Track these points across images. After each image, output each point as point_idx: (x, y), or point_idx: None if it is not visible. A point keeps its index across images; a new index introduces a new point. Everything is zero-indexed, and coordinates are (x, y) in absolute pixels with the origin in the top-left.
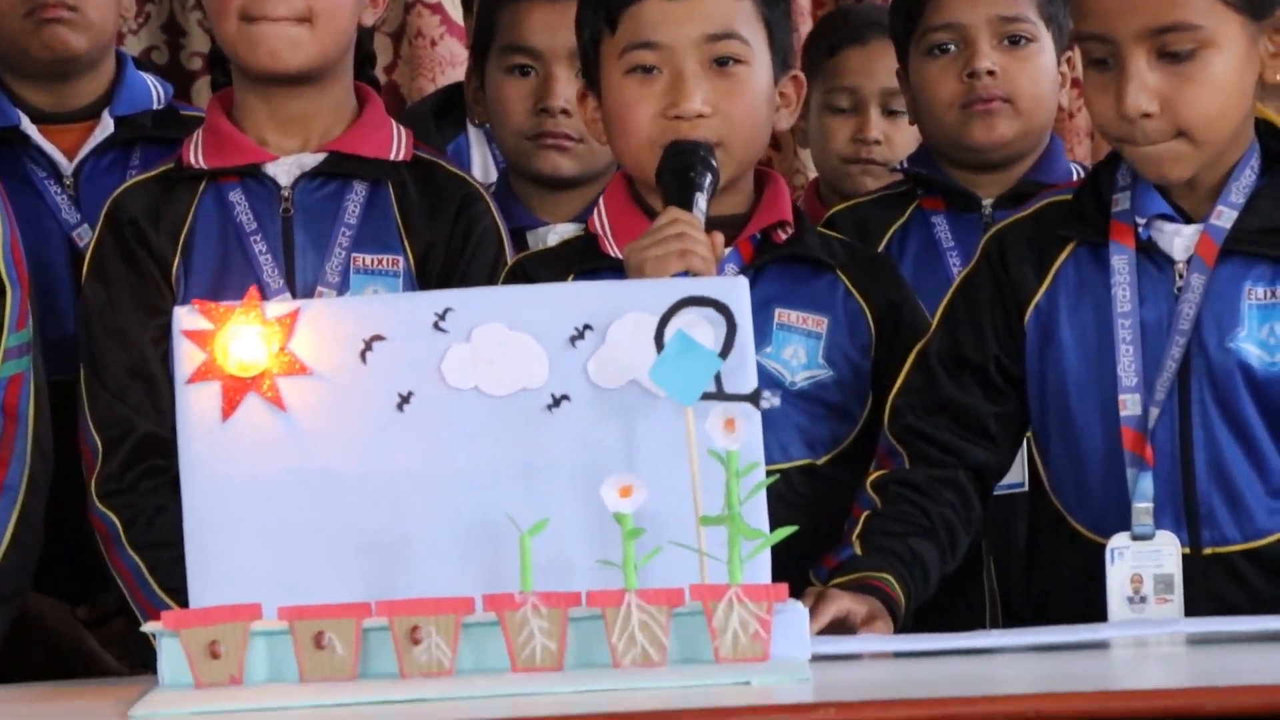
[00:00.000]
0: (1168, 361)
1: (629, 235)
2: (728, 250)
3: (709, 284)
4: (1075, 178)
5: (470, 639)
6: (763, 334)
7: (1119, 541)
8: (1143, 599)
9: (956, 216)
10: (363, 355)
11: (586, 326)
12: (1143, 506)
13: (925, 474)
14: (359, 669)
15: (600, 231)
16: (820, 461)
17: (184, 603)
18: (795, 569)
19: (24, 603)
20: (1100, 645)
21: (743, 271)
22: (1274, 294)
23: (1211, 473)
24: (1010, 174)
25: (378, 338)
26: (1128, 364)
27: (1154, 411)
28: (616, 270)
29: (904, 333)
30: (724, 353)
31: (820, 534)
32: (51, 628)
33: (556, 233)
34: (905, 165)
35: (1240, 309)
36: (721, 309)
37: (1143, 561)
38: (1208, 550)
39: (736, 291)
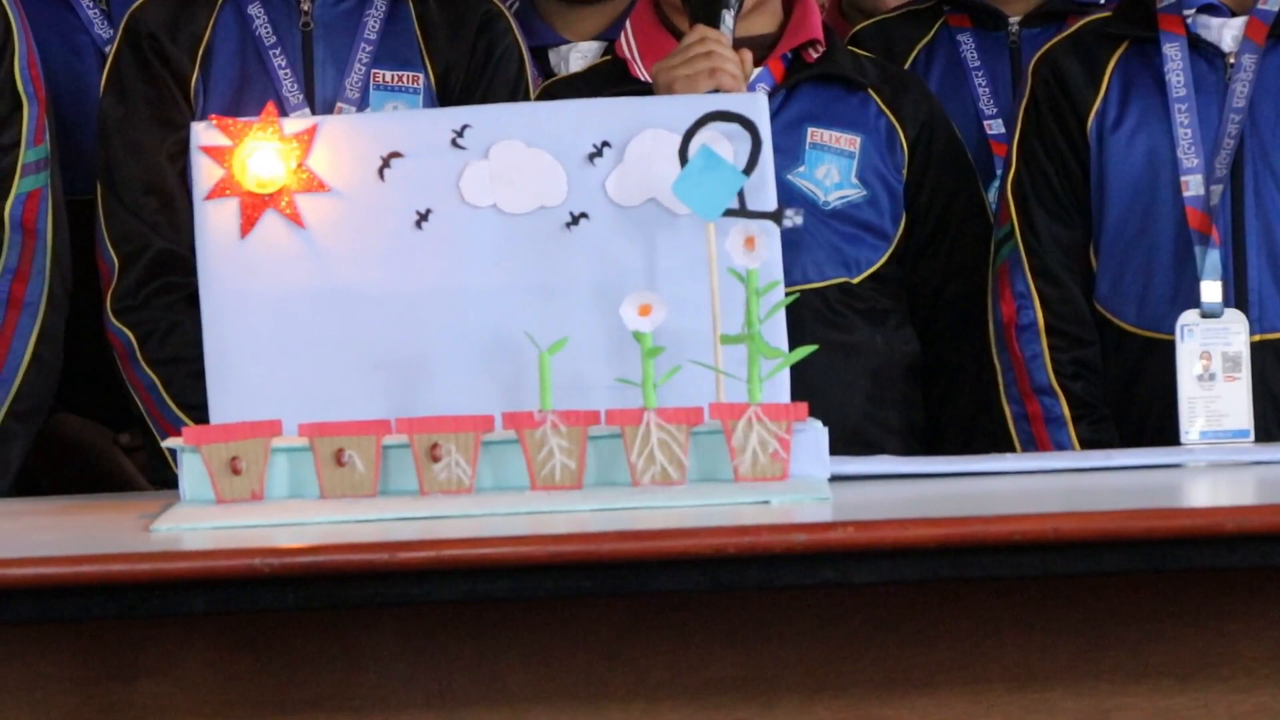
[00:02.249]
0: (1224, 140)
1: (657, 56)
2: (758, 70)
3: (731, 99)
4: None
5: (490, 457)
6: (795, 154)
7: (1188, 319)
8: (1211, 376)
9: (983, 35)
10: (381, 172)
11: (605, 143)
12: (1211, 284)
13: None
14: (379, 485)
15: (628, 55)
16: (856, 280)
17: (200, 419)
18: (831, 393)
19: (63, 427)
20: (1128, 468)
21: (774, 91)
22: None
23: (1262, 256)
24: None
25: (396, 155)
26: (1187, 146)
27: (1216, 189)
28: (646, 93)
29: (937, 152)
30: (747, 169)
31: (856, 352)
32: (90, 454)
33: (579, 51)
34: None
35: None
36: (745, 124)
37: (1211, 340)
38: (1255, 337)
39: (758, 107)
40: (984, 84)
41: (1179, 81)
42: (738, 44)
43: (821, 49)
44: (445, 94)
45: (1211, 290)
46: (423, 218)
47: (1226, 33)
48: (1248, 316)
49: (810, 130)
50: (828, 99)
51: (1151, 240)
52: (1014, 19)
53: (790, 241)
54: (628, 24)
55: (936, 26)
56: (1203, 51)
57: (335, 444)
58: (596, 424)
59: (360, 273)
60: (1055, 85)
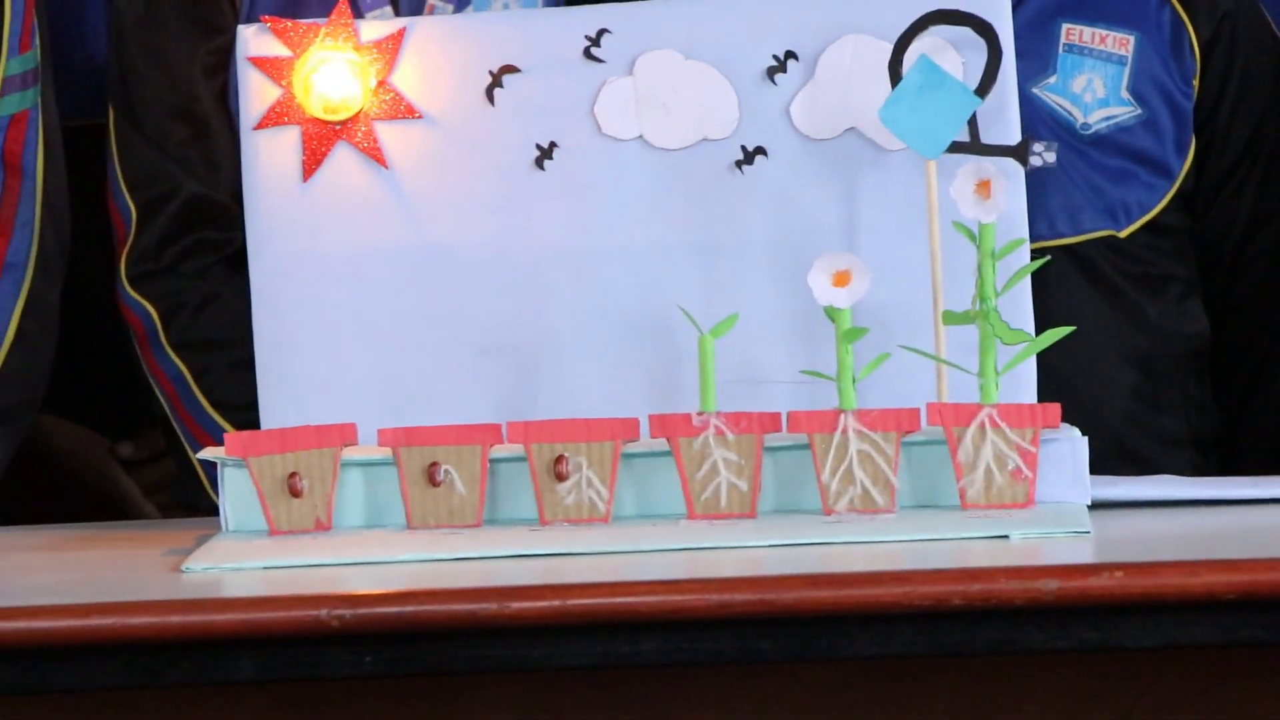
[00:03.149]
0: None
1: None
2: None
3: None
4: None
5: (633, 474)
6: (1044, 59)
7: None
8: None
9: None
10: (490, 93)
11: (789, 54)
12: None
13: None
14: (485, 512)
15: None
16: (1124, 234)
17: (243, 422)
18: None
19: (45, 432)
20: None
21: None
22: None
23: None
24: None
25: (510, 69)
26: None
27: None
28: None
29: (1242, 54)
30: (982, 89)
31: (1123, 333)
32: (78, 469)
33: None
34: None
35: None
36: (980, 27)
37: None
38: None
39: (998, 5)
40: None
41: None
42: None
43: None
44: None
45: None
46: (545, 154)
47: None
48: None
49: (1065, 26)
50: None
51: None
52: None
53: (1034, 181)
54: None
55: None
56: None
57: (428, 456)
58: (776, 431)
59: (462, 228)
60: None
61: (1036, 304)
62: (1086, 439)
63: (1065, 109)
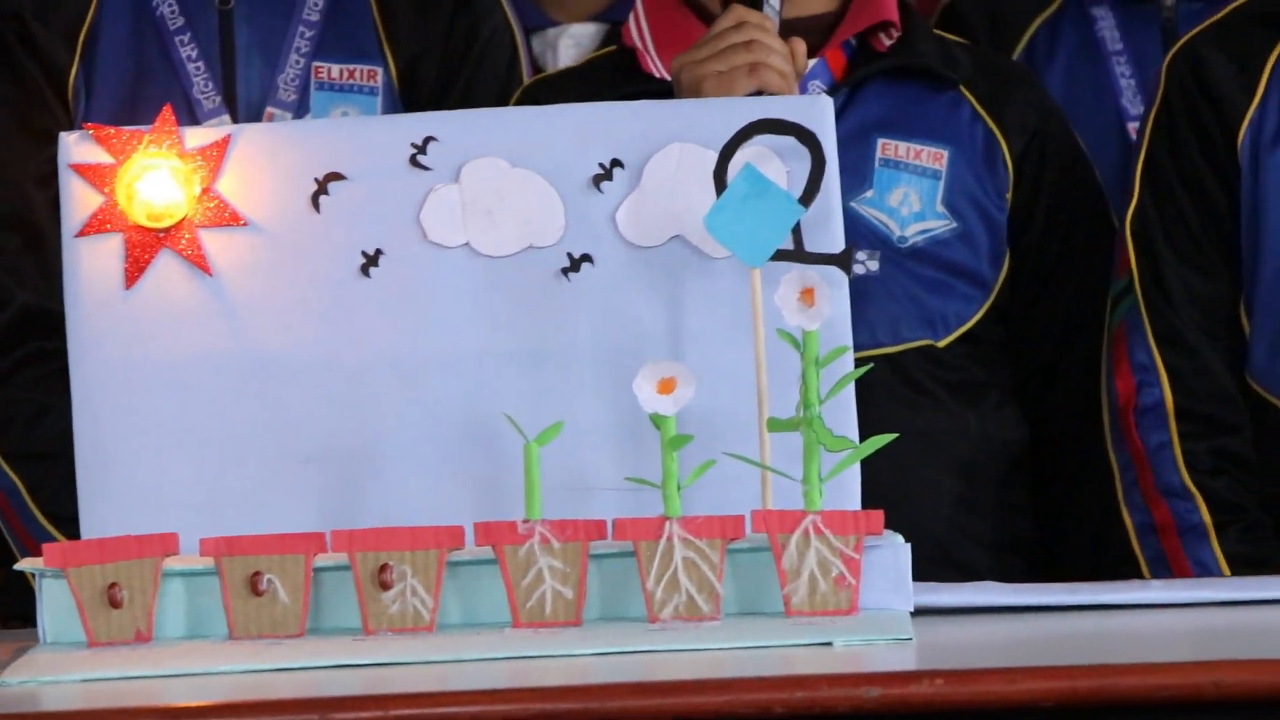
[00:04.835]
0: None
1: (678, 46)
2: (812, 62)
3: (785, 104)
4: None
5: (458, 582)
6: (861, 173)
7: None
8: None
9: (1126, 10)
10: (315, 200)
11: (615, 162)
12: None
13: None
14: (309, 622)
15: (638, 43)
16: (942, 344)
17: (75, 533)
18: (910, 496)
19: None
20: None
21: (833, 91)
22: None
23: None
24: None
25: (335, 176)
26: None
27: None
28: (664, 95)
29: (1052, 170)
30: (806, 198)
31: (942, 441)
32: None
33: (571, 36)
34: None
35: None
36: (804, 137)
37: None
38: None
39: (821, 114)
40: (1127, 74)
41: None
42: (786, 29)
43: (896, 34)
44: (411, 94)
45: None
46: (371, 261)
47: None
48: None
49: (882, 142)
50: (905, 100)
51: None
52: None
53: (854, 292)
54: (637, 4)
55: None
56: None
57: (250, 565)
58: (602, 538)
59: (287, 335)
60: (1195, 87)
61: (860, 411)
62: (909, 545)
63: (882, 222)
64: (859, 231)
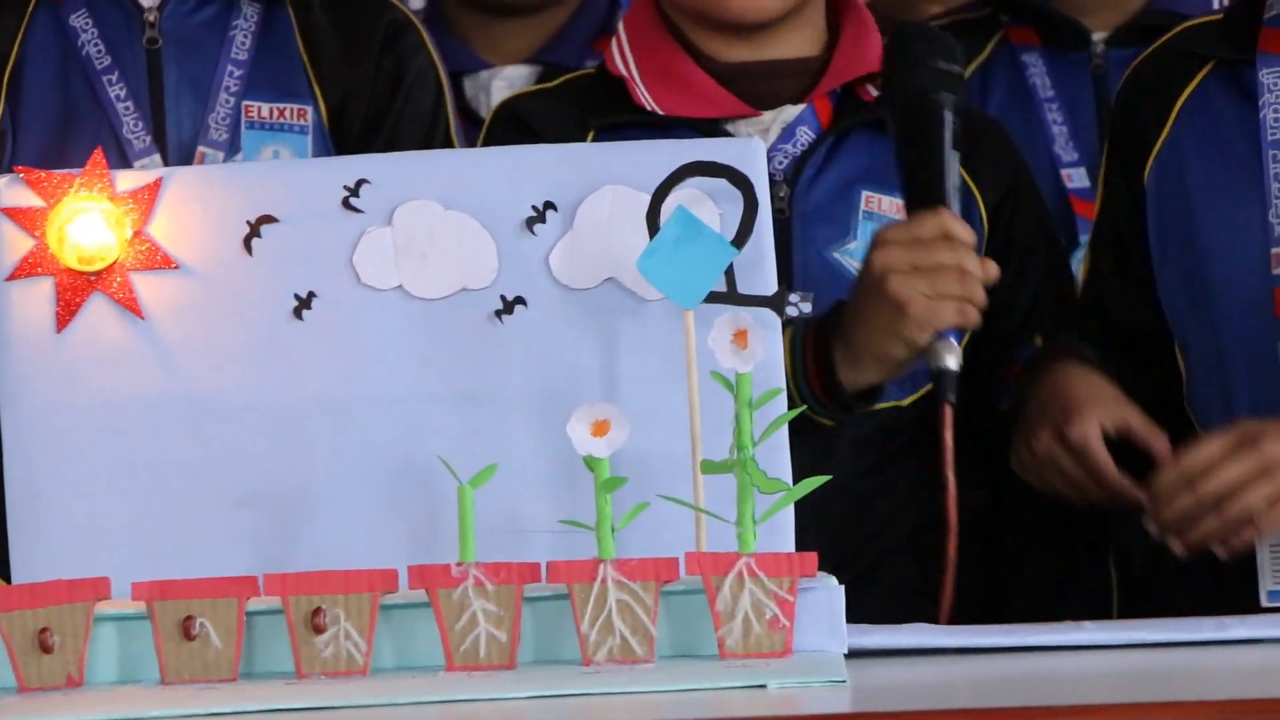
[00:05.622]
0: None
1: (670, 81)
2: (799, 108)
3: (717, 147)
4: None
5: (391, 626)
6: (844, 225)
7: None
8: None
9: (1056, 56)
10: (247, 243)
11: (548, 204)
12: None
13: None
14: (241, 666)
15: (624, 72)
16: (906, 403)
17: (5, 576)
18: (857, 557)
19: None
20: (1232, 642)
21: (820, 138)
22: None
23: None
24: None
25: (268, 219)
26: None
27: None
28: (657, 129)
29: (1024, 226)
30: (739, 240)
31: (898, 506)
32: None
33: (504, 78)
34: None
35: None
36: (737, 180)
37: None
38: None
39: (752, 155)
40: (1060, 121)
41: (1277, 119)
42: (772, 71)
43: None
44: (340, 133)
45: None
46: (304, 304)
47: None
48: None
49: (865, 194)
50: (889, 151)
51: (1230, 332)
52: (1098, 35)
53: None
54: (620, 32)
55: (993, 44)
56: None
57: (182, 609)
58: (536, 581)
59: (219, 378)
60: (1123, 115)
61: (818, 467)
62: (843, 587)
63: None
64: (840, 282)
